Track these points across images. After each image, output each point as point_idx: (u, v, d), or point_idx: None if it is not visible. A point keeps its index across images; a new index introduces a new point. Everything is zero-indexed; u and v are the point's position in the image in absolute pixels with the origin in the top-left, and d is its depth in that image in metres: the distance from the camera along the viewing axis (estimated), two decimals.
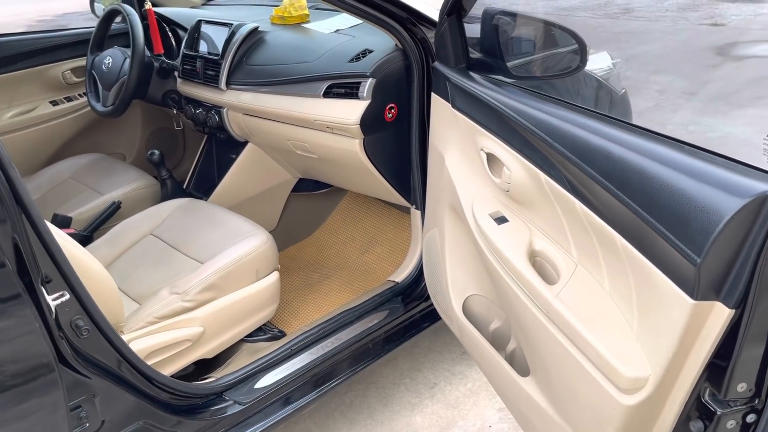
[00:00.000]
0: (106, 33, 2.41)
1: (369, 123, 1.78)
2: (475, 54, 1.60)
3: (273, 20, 2.26)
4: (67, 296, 1.20)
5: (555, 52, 1.70)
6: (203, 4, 2.74)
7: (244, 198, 2.31)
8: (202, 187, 2.40)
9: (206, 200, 2.26)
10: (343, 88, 1.81)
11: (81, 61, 2.54)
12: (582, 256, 1.16)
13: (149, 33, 2.32)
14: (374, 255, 2.33)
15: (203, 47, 2.20)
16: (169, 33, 2.44)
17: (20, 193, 1.11)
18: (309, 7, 2.29)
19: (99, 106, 2.33)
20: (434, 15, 1.76)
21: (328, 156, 1.98)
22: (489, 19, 1.56)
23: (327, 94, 1.84)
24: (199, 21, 2.24)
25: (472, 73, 1.54)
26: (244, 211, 2.17)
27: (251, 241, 1.77)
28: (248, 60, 2.08)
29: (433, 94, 1.64)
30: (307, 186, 2.47)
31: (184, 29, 2.35)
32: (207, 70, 2.14)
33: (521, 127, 1.26)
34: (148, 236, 1.94)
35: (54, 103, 2.56)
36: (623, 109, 2.45)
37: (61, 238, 1.31)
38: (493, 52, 1.58)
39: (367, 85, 1.76)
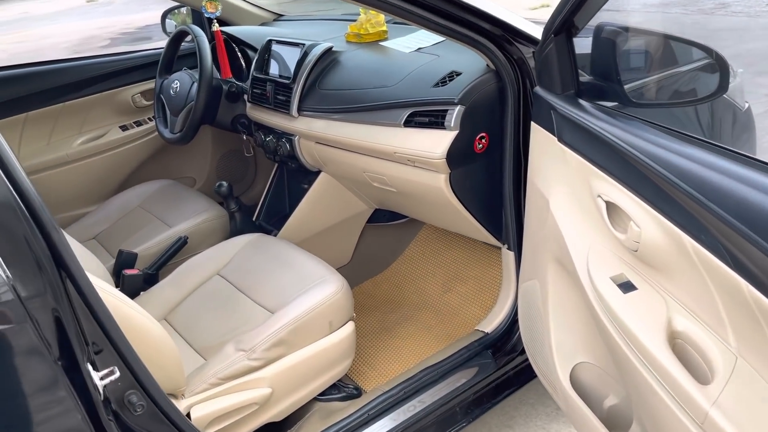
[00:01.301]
0: (175, 55, 2.31)
1: (456, 156, 1.56)
2: (584, 77, 1.35)
3: (348, 38, 2.07)
4: (118, 374, 1.05)
5: (683, 72, 1.42)
6: (275, 20, 2.59)
7: (317, 231, 2.14)
8: (273, 218, 2.25)
9: (276, 233, 2.11)
10: (427, 117, 1.59)
11: (150, 84, 2.46)
12: (745, 349, 0.90)
13: (217, 55, 2.19)
14: (457, 294, 2.10)
15: (274, 69, 2.04)
16: (239, 53, 2.31)
17: (63, 257, 0.97)
18: (386, 22, 2.10)
19: (167, 133, 2.23)
20: (531, 30, 1.53)
21: (409, 190, 1.77)
22: (604, 35, 1.31)
23: (408, 123, 1.63)
24: (270, 41, 2.09)
25: (582, 101, 1.30)
26: (316, 244, 2.00)
27: (324, 289, 1.58)
28: (321, 84, 1.90)
29: (533, 123, 1.40)
30: (383, 216, 2.27)
31: (254, 49, 2.21)
32: (277, 95, 1.98)
33: (655, 174, 1.01)
34: (215, 276, 1.79)
35: (124, 128, 2.48)
36: (747, 126, 2.11)
37: (115, 298, 1.17)
38: (609, 75, 1.32)
39: (455, 114, 1.54)
